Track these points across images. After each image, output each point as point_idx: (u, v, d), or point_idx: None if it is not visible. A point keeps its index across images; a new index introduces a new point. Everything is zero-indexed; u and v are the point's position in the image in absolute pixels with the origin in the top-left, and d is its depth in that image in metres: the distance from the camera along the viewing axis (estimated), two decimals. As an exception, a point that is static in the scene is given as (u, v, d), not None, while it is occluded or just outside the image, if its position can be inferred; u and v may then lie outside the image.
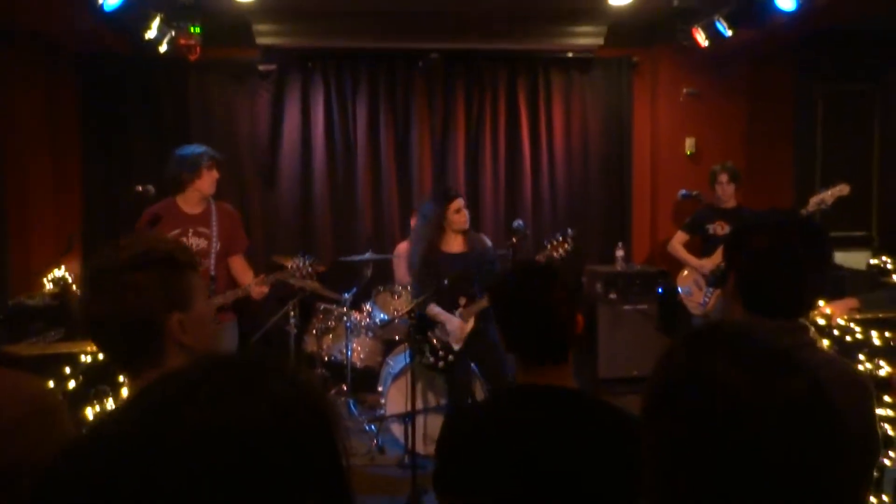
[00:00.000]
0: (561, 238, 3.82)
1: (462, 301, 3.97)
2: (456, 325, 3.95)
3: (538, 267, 1.74)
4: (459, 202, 3.96)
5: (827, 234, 1.53)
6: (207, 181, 3.79)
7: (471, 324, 3.95)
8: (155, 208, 3.79)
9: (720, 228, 4.89)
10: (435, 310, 3.97)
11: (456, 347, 3.96)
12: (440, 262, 3.90)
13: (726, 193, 4.99)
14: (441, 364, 3.99)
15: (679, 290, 5.10)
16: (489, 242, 4.18)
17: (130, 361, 1.30)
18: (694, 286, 5.00)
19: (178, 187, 3.80)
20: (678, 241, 5.13)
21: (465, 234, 4.01)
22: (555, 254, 3.82)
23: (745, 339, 0.88)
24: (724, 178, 4.97)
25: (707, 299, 4.80)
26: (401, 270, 5.08)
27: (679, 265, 5.18)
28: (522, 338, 1.61)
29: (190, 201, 3.79)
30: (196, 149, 3.85)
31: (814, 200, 4.30)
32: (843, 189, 4.24)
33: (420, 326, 3.98)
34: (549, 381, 1.56)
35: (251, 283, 3.75)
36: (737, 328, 0.91)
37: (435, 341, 4.00)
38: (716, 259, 4.72)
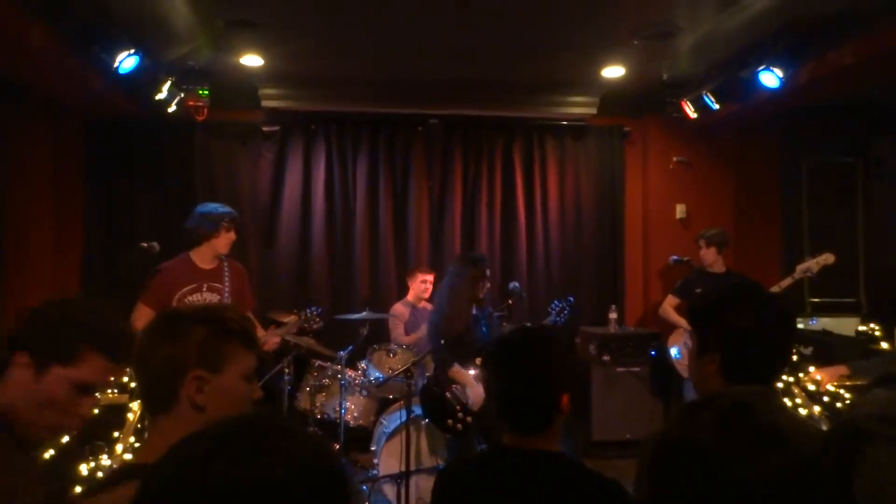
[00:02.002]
0: (561, 305, 4.21)
1: (479, 361, 4.00)
2: (474, 393, 3.95)
3: (530, 335, 1.71)
4: (487, 270, 4.12)
5: (791, 308, 1.64)
6: (224, 241, 3.90)
7: None
8: (170, 264, 3.85)
9: None
10: (461, 373, 3.99)
11: (476, 408, 3.94)
12: (469, 326, 3.99)
13: (707, 259, 5.10)
14: (460, 427, 3.93)
15: (670, 352, 5.15)
16: (490, 309, 4.27)
17: (148, 402, 1.34)
18: (684, 349, 5.04)
19: (194, 242, 3.89)
20: (669, 305, 5.22)
21: (481, 299, 4.12)
22: (558, 319, 4.16)
23: (739, 414, 0.92)
24: (701, 243, 5.13)
25: None
26: (397, 329, 5.11)
27: (671, 328, 5.23)
28: (503, 403, 1.64)
29: (204, 257, 3.88)
30: (219, 208, 3.95)
31: (800, 268, 4.42)
32: (828, 258, 4.37)
33: (437, 386, 4.00)
34: (531, 446, 1.58)
35: (264, 334, 3.84)
36: (732, 402, 0.96)
37: (454, 403, 3.97)
38: None
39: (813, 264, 4.39)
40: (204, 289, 3.83)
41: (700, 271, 5.19)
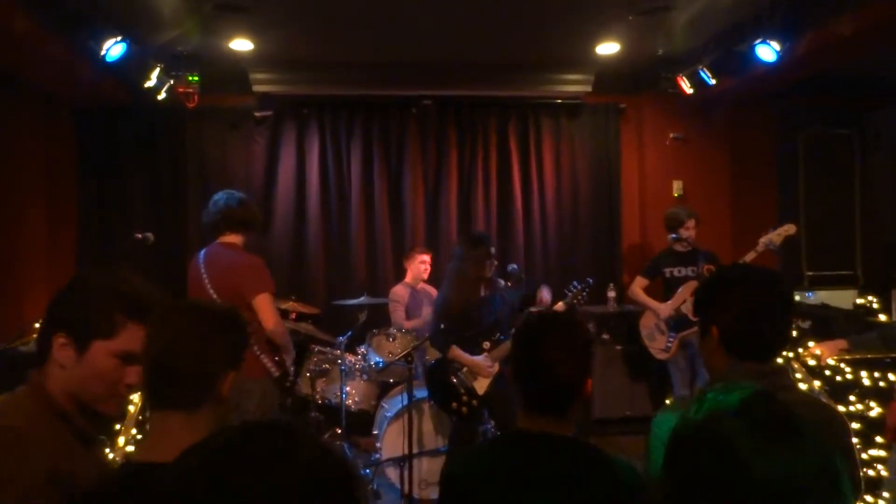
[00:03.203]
0: (580, 287, 4.05)
1: (486, 345, 3.95)
2: (482, 364, 3.91)
3: (554, 321, 1.72)
4: (492, 248, 4.04)
5: (789, 284, 1.68)
6: (248, 240, 3.65)
7: (496, 367, 3.92)
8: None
9: (678, 272, 4.87)
10: (456, 352, 3.94)
11: (481, 392, 3.92)
12: (476, 307, 3.93)
13: (694, 236, 4.92)
14: (465, 410, 3.89)
15: (641, 334, 5.02)
16: (502, 282, 4.21)
17: (178, 398, 1.32)
18: (656, 330, 4.94)
19: (232, 228, 3.52)
20: (638, 286, 5.06)
21: (489, 278, 4.05)
22: (575, 302, 4.01)
23: (761, 406, 0.91)
24: (691, 223, 4.92)
25: (670, 344, 4.77)
26: (397, 313, 5.10)
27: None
28: (524, 385, 1.66)
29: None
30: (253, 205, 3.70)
31: (762, 241, 4.31)
32: (789, 229, 4.28)
33: (442, 371, 3.97)
34: (545, 429, 1.59)
35: None
36: (753, 390, 0.95)
37: (459, 388, 3.92)
38: (675, 303, 4.75)
39: (774, 236, 4.30)
40: None
41: (668, 251, 5.03)
